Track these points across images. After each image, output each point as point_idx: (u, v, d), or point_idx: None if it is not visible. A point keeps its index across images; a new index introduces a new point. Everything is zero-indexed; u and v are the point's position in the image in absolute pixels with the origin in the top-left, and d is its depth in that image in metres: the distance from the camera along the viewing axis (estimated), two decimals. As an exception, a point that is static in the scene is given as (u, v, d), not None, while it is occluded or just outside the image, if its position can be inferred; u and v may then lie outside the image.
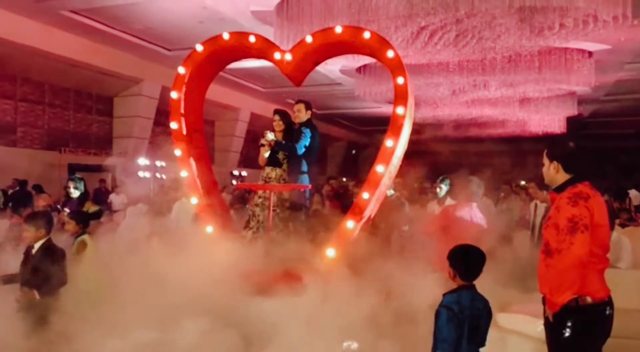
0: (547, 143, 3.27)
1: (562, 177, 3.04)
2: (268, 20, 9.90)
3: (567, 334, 2.84)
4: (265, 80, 15.84)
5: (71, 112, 15.50)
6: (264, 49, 5.52)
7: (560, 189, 3.02)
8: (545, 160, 3.12)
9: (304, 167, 5.62)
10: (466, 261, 3.01)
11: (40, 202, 7.42)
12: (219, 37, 5.62)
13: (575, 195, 2.90)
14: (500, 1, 7.90)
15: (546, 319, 2.98)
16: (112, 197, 9.92)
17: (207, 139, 20.91)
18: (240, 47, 5.63)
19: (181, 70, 5.68)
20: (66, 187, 6.56)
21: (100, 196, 10.43)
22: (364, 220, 5.02)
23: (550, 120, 18.46)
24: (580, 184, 2.97)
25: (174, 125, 5.62)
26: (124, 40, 12.40)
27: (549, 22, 8.88)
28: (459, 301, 2.90)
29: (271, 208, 5.26)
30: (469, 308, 2.89)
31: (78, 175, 7.27)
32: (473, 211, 5.63)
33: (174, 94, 5.66)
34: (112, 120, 16.47)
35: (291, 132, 5.71)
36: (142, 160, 15.46)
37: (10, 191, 11.23)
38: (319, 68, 13.82)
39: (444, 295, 2.97)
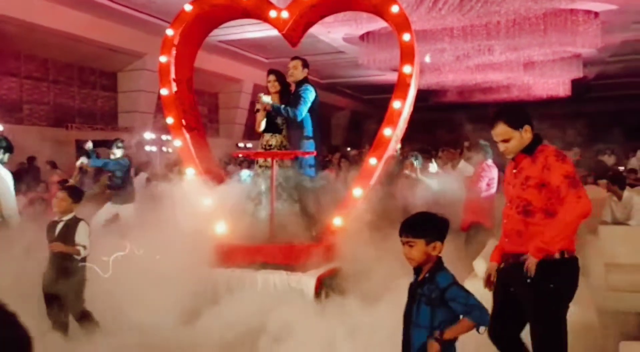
0: (502, 116, 2.95)
1: (528, 139, 2.95)
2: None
3: (552, 286, 2.79)
4: (268, 50, 15.72)
5: (76, 88, 15.49)
6: (258, 7, 5.17)
7: (530, 150, 2.93)
8: (513, 132, 2.91)
9: (308, 132, 5.20)
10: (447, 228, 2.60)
11: (54, 178, 7.52)
12: None
13: (558, 152, 2.91)
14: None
15: (516, 277, 2.85)
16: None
17: (211, 112, 20.67)
18: (232, 5, 5.28)
19: (169, 32, 5.28)
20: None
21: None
22: (371, 186, 4.86)
23: (555, 83, 18.37)
24: (543, 143, 2.98)
25: (164, 91, 5.24)
26: (126, 15, 12.29)
27: (556, -18, 8.78)
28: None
29: (274, 177, 4.94)
30: None
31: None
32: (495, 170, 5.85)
33: (162, 58, 5.27)
34: (117, 96, 16.46)
35: (287, 93, 5.26)
36: (148, 135, 15.52)
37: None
38: (322, 36, 13.88)
39: (437, 274, 2.47)
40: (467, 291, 2.42)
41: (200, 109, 19.15)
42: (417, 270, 2.55)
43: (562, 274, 2.83)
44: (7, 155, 5.39)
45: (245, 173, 7.69)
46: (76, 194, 4.34)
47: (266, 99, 5.01)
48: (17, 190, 7.41)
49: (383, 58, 13.34)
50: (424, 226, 2.52)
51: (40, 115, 14.42)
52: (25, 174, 9.33)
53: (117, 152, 6.91)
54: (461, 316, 2.39)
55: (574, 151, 6.74)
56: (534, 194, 2.86)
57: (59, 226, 4.19)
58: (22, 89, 13.94)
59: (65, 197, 4.23)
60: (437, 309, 2.41)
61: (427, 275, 2.49)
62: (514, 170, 3.00)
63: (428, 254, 2.48)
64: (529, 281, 2.79)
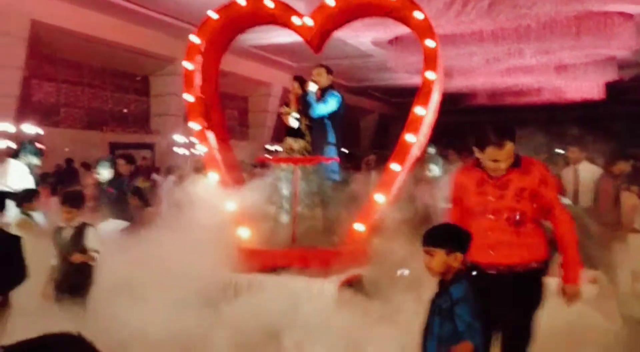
0: (509, 135, 2.91)
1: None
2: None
3: (540, 293, 2.97)
4: (297, 55, 15.87)
5: (109, 92, 15.94)
6: (283, 14, 5.21)
7: (517, 162, 2.97)
8: (510, 145, 2.90)
9: (331, 138, 5.23)
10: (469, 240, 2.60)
11: (89, 180, 7.75)
12: (234, 2, 5.27)
13: (546, 165, 3.07)
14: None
15: (510, 286, 2.92)
16: (154, 176, 10.27)
17: (241, 115, 20.91)
18: (257, 12, 5.31)
19: (195, 39, 5.31)
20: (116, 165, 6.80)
21: (144, 173, 10.78)
22: (394, 192, 4.84)
23: (589, 86, 18.01)
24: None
25: (189, 97, 5.26)
26: (158, 20, 12.63)
27: (588, -15, 8.66)
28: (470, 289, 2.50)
29: (297, 182, 4.94)
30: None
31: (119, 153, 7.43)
32: None
33: (188, 65, 5.30)
34: (149, 99, 16.87)
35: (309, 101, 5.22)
36: (179, 138, 15.86)
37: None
38: (350, 40, 13.96)
39: (453, 285, 2.49)
40: (473, 312, 2.41)
41: (231, 113, 19.64)
42: (440, 282, 2.58)
43: (542, 280, 3.02)
44: (35, 158, 5.56)
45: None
46: (76, 202, 4.32)
47: (313, 87, 5.12)
48: (54, 192, 7.73)
49: (412, 61, 13.30)
50: (446, 236, 2.56)
51: (75, 119, 14.90)
52: (63, 176, 9.68)
53: (104, 173, 6.22)
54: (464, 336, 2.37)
55: (629, 162, 6.67)
56: (527, 205, 2.93)
57: (66, 232, 4.22)
58: (59, 93, 14.43)
59: (69, 210, 4.22)
60: (446, 320, 2.43)
61: (444, 286, 2.53)
62: (491, 181, 2.98)
63: (448, 265, 2.49)
64: (520, 290, 2.92)
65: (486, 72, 16.08)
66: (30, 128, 11.87)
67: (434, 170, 6.08)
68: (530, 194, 2.92)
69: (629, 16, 11.64)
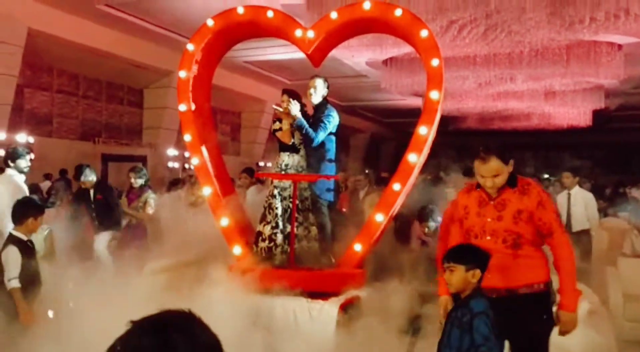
0: (494, 151, 2.93)
1: (509, 173, 2.96)
2: (299, 14, 10.01)
3: (546, 317, 2.91)
4: (292, 72, 16.00)
5: (103, 104, 15.92)
6: (283, 26, 4.97)
7: (513, 183, 2.97)
8: (503, 167, 2.91)
9: (331, 155, 4.93)
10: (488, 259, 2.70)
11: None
12: (233, 10, 5.04)
13: (543, 188, 3.01)
14: (530, -6, 7.96)
15: (514, 310, 2.84)
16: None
17: (233, 131, 20.99)
18: (256, 23, 5.07)
19: (190, 47, 5.13)
20: (128, 178, 6.66)
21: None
22: (394, 212, 4.74)
23: (576, 113, 18.34)
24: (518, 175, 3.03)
25: (182, 107, 5.06)
26: (154, 33, 12.68)
27: (580, 15, 8.87)
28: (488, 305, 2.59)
29: (295, 200, 4.73)
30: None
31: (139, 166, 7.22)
32: None
33: (182, 74, 5.10)
34: (142, 112, 16.86)
35: (303, 114, 4.86)
36: (171, 151, 15.84)
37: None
38: (346, 60, 14.11)
39: (472, 300, 2.59)
40: (491, 328, 2.49)
41: (223, 128, 19.63)
42: (457, 297, 2.70)
43: (549, 303, 2.96)
44: (27, 163, 5.25)
45: None
46: (43, 208, 4.13)
47: (295, 109, 4.75)
48: (46, 201, 7.66)
49: (405, 83, 13.50)
50: (466, 253, 2.69)
51: (68, 129, 14.83)
52: (53, 186, 9.61)
53: (90, 176, 6.22)
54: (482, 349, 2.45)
55: None
56: (525, 227, 2.91)
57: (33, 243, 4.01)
58: (53, 103, 14.36)
59: (40, 220, 3.98)
60: (466, 334, 2.51)
61: (463, 300, 2.63)
62: (491, 202, 2.98)
63: (467, 281, 2.62)
64: (530, 313, 2.86)
65: (477, 95, 16.33)
66: (22, 137, 11.81)
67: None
68: (527, 216, 2.89)
69: (617, 46, 11.95)
